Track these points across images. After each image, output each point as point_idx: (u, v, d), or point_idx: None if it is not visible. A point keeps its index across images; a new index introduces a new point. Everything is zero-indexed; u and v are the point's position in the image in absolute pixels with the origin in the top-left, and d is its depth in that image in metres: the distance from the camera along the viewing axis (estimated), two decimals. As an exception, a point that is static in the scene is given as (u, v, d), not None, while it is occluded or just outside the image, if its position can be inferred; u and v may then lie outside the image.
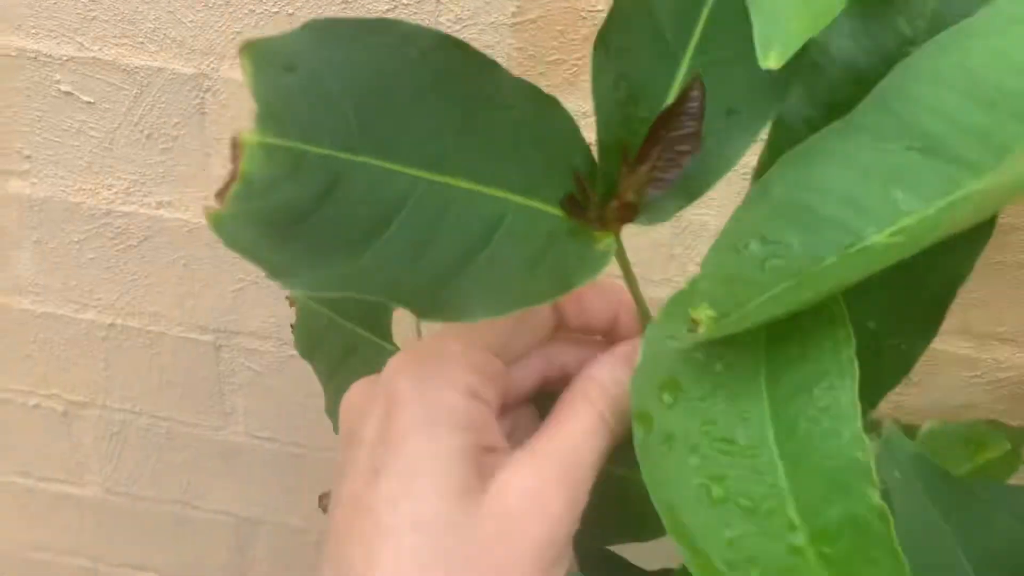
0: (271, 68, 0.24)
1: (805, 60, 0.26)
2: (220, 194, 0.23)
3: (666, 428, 0.23)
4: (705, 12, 0.26)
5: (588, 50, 0.48)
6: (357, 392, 0.27)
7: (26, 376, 0.67)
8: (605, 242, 0.26)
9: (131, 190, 0.57)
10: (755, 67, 0.24)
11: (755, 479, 0.22)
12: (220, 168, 0.56)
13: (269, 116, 0.23)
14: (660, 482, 0.22)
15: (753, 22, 0.22)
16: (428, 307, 0.23)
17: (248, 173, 0.23)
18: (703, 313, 0.23)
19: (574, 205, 0.26)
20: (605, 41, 0.27)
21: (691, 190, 0.26)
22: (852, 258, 0.23)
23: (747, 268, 0.23)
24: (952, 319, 0.57)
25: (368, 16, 0.25)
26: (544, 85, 0.48)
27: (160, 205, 0.57)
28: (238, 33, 0.51)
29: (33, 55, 0.53)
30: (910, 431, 0.38)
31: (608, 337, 0.28)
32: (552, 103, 0.26)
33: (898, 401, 0.59)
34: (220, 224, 0.22)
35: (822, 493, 0.21)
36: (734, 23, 0.25)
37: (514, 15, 0.47)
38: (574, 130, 0.26)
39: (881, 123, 0.24)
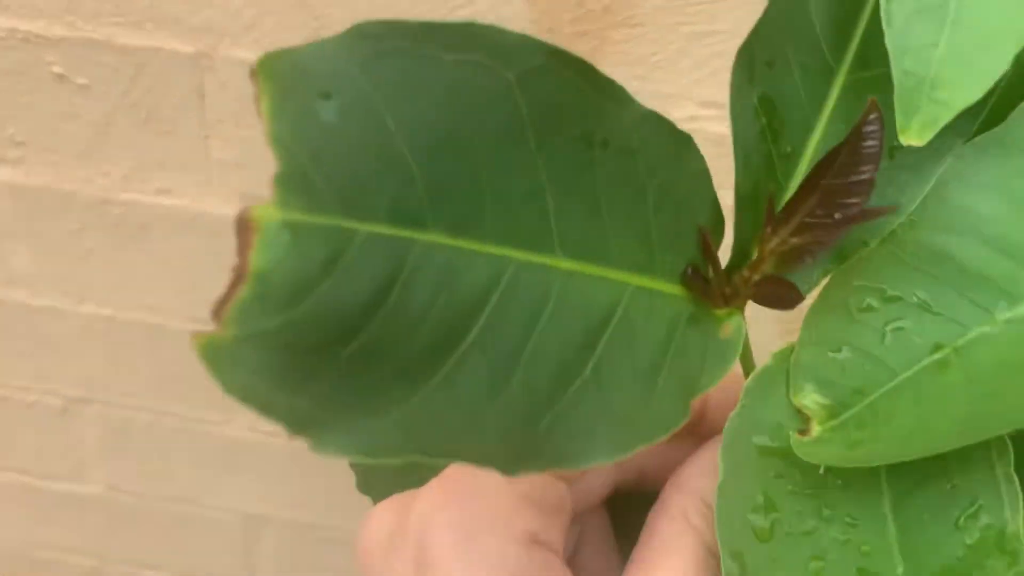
0: (299, 98, 0.16)
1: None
2: (219, 308, 0.15)
3: (764, 571, 0.18)
4: (868, 8, 0.19)
5: (609, 20, 0.46)
6: (382, 525, 0.20)
7: (23, 372, 0.65)
8: (731, 324, 0.19)
9: (129, 176, 0.55)
10: None
11: None
12: (219, 151, 0.53)
13: (296, 177, 0.16)
14: None
15: (895, 84, 0.17)
16: (517, 457, 0.17)
17: (264, 271, 0.16)
18: (811, 400, 0.18)
19: (698, 279, 0.19)
20: (749, 54, 0.20)
21: (842, 253, 0.20)
22: (1010, 328, 0.17)
23: (862, 335, 0.18)
24: None
25: (443, 19, 0.17)
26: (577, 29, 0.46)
27: (159, 192, 0.55)
28: (239, 10, 0.48)
29: (23, 36, 0.51)
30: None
31: (696, 430, 0.22)
32: (685, 142, 0.19)
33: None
34: (218, 356, 0.15)
35: None
36: None
37: (532, -15, 0.44)
38: (704, 175, 0.20)
39: None
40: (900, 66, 0.17)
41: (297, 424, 0.16)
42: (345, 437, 0.16)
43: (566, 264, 0.18)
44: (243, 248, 0.16)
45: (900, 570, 0.17)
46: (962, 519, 0.17)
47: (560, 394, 0.17)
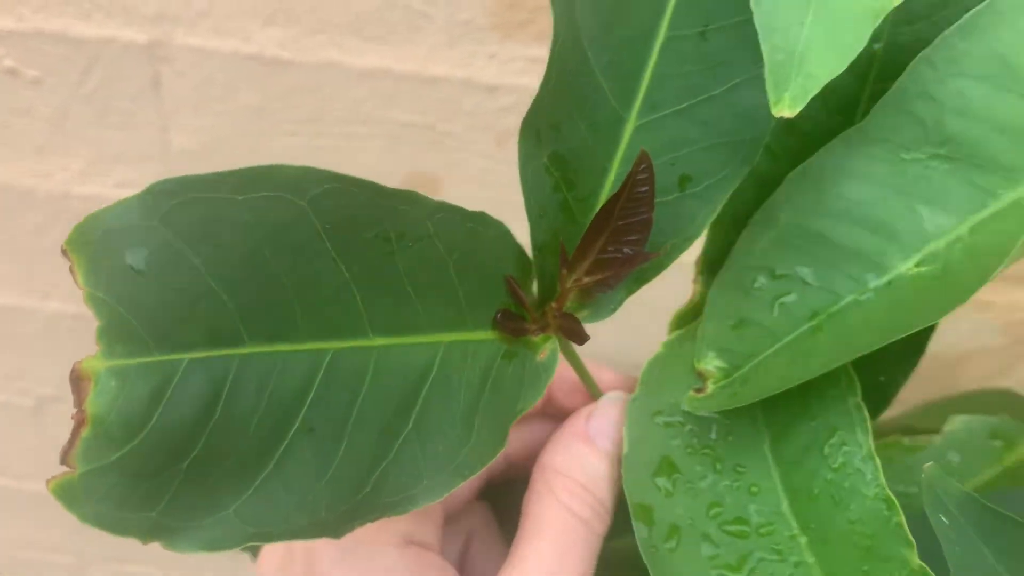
0: (109, 258, 0.19)
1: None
2: (66, 451, 0.18)
3: (669, 520, 0.21)
4: (654, 56, 0.22)
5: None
6: (274, 554, 0.24)
7: (-8, 372, 0.65)
8: (547, 348, 0.23)
9: (88, 171, 0.55)
10: (714, 120, 0.22)
11: (778, 560, 0.20)
12: (180, 140, 0.53)
13: (116, 327, 0.19)
14: None
15: (765, 61, 0.19)
16: (348, 519, 0.20)
17: (100, 415, 0.18)
18: (712, 365, 0.21)
19: (509, 319, 0.22)
20: (534, 125, 0.23)
21: (641, 276, 0.23)
22: (877, 295, 0.20)
23: (756, 309, 0.21)
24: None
25: (233, 168, 0.20)
26: (532, 32, 0.46)
27: (120, 184, 0.55)
28: (191, -5, 0.48)
29: (-30, 31, 0.50)
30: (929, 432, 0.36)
31: (547, 412, 0.26)
32: (478, 218, 0.22)
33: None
34: (69, 492, 0.18)
35: (855, 564, 0.19)
36: (691, 65, 0.22)
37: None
38: (504, 236, 0.23)
39: (899, 129, 0.21)
40: (769, 43, 0.19)
41: (147, 535, 0.19)
42: (192, 536, 0.19)
43: (380, 341, 0.21)
44: (80, 398, 0.19)
45: (785, 504, 0.20)
46: (826, 448, 0.20)
47: (385, 453, 0.20)
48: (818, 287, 0.21)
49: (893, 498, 0.20)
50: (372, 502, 0.20)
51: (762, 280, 0.22)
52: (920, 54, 0.21)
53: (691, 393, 0.22)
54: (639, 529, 0.21)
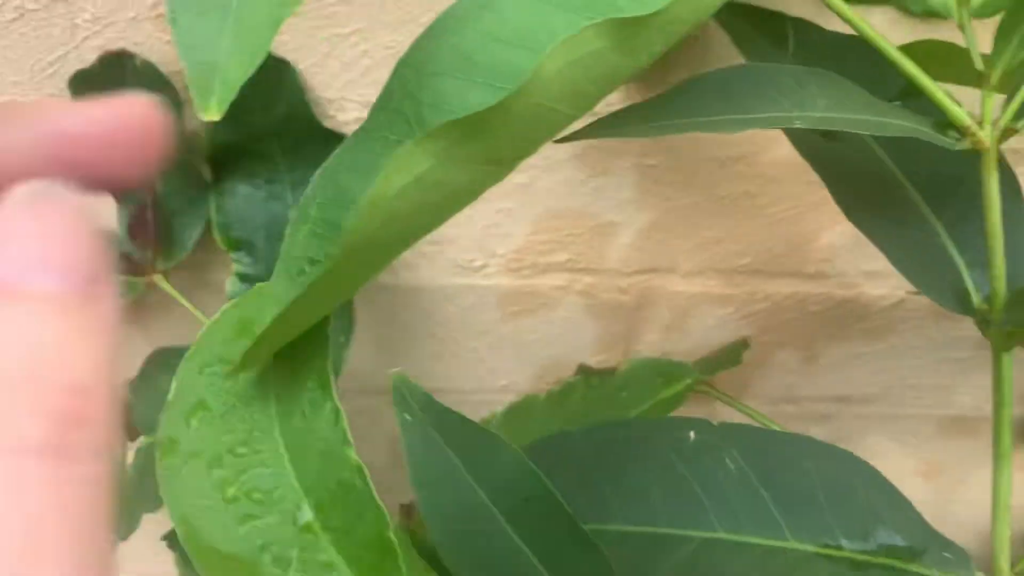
0: None
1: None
2: None
3: (190, 448, 0.24)
4: None
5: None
6: None
7: None
8: (153, 283, 0.43)
9: None
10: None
11: (266, 472, 0.24)
12: None
13: None
14: (176, 497, 0.24)
15: (185, 73, 0.22)
16: None
17: None
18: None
19: (125, 267, 0.42)
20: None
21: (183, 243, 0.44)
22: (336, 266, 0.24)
23: (294, 292, 0.25)
24: (694, 260, 0.58)
25: None
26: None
27: None
28: None
29: None
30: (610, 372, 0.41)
31: None
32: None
33: (664, 350, 0.60)
34: None
35: (318, 467, 0.23)
36: None
37: (154, 6, 0.45)
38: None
39: (391, 127, 0.24)
40: (191, 58, 0.22)
41: None
42: None
43: None
44: None
45: (277, 427, 0.24)
46: (302, 375, 0.24)
47: None
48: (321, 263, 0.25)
49: (340, 408, 0.24)
50: None
51: (307, 269, 0.25)
52: (400, 58, 0.25)
53: (225, 369, 0.26)
54: (160, 459, 0.25)
